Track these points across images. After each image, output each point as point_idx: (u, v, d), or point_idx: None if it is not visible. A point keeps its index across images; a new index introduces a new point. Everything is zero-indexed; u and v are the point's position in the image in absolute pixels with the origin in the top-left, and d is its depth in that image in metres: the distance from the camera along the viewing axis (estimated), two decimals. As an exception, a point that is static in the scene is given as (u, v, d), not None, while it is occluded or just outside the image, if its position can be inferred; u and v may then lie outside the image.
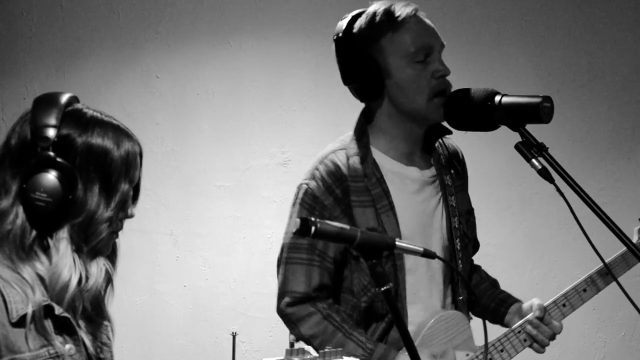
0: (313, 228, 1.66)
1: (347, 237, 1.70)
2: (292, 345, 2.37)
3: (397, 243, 1.72)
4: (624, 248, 2.18)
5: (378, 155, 2.36)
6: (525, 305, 2.45)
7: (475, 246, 2.60)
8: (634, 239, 2.49)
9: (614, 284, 2.24)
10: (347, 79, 2.35)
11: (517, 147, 2.10)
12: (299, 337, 2.32)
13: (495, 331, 2.38)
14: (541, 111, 2.13)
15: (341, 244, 2.23)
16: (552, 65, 4.21)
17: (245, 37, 4.14)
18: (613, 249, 2.43)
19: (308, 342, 2.34)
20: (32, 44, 4.13)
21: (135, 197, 1.81)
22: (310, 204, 2.32)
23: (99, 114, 1.77)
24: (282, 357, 1.62)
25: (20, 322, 1.63)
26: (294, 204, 2.35)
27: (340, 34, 2.33)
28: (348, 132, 2.41)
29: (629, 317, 4.16)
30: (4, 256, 1.66)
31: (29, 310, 1.63)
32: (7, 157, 1.72)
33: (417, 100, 2.30)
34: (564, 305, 2.43)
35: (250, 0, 4.15)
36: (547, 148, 2.08)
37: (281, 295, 2.37)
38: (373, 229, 2.28)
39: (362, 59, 2.31)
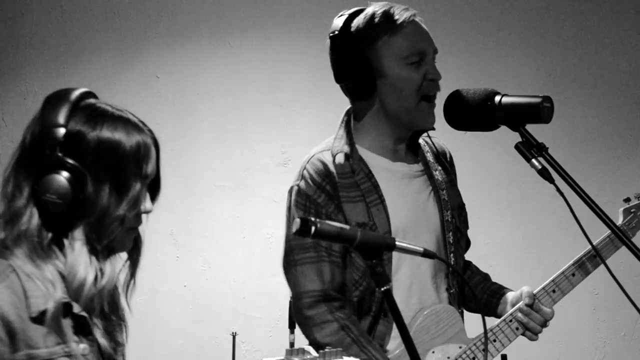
0: (313, 228, 1.66)
1: (347, 237, 1.70)
2: (292, 345, 2.37)
3: (397, 243, 1.72)
4: (609, 231, 2.20)
5: (364, 152, 2.39)
6: (515, 294, 2.47)
7: (467, 242, 2.61)
8: (619, 221, 2.54)
9: (607, 277, 2.24)
10: (339, 77, 2.38)
11: (517, 147, 2.10)
12: (313, 343, 2.29)
13: (488, 322, 2.38)
14: (541, 111, 2.13)
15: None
16: (552, 65, 4.21)
17: (245, 37, 4.14)
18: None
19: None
20: (32, 44, 4.12)
21: (155, 190, 1.79)
22: (304, 204, 2.34)
23: (109, 108, 1.74)
24: (282, 357, 1.62)
25: (39, 318, 1.62)
26: (288, 208, 2.37)
27: (337, 32, 2.35)
28: (332, 136, 2.44)
29: (629, 317, 4.16)
30: (25, 254, 1.65)
31: (50, 307, 1.62)
32: (23, 156, 1.71)
33: (407, 99, 2.33)
34: (553, 291, 2.45)
35: (250, 0, 4.15)
36: (547, 148, 2.08)
37: (297, 297, 2.34)
38: (363, 223, 2.30)
39: (356, 58, 2.33)
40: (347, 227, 1.70)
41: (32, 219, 1.66)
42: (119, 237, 1.72)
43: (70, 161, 1.65)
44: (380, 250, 1.71)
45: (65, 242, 1.68)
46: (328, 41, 2.38)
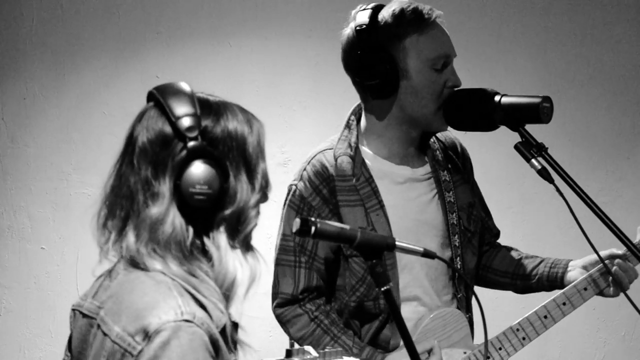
0: (313, 228, 1.67)
1: (347, 237, 1.71)
2: (292, 345, 2.38)
3: (397, 243, 1.72)
4: (624, 248, 2.18)
5: (368, 155, 2.36)
6: (590, 257, 2.41)
7: (495, 234, 2.66)
8: (637, 239, 2.44)
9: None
10: (363, 74, 2.29)
11: (516, 147, 2.11)
12: (290, 338, 2.33)
13: (494, 330, 2.37)
14: (541, 111, 2.13)
15: (333, 243, 2.25)
16: (552, 65, 4.20)
17: (245, 37, 4.14)
18: (613, 249, 2.43)
19: (299, 344, 2.35)
20: (32, 44, 4.12)
21: None
22: (298, 205, 2.34)
23: (218, 98, 1.65)
24: (282, 357, 1.62)
25: (222, 332, 1.54)
26: (284, 206, 2.39)
27: (365, 26, 2.26)
28: (338, 134, 2.40)
29: (629, 317, 4.16)
30: (177, 261, 1.53)
31: (227, 319, 1.55)
32: (141, 157, 1.56)
33: (428, 105, 2.29)
34: (564, 304, 2.41)
35: (250, 0, 4.15)
36: (547, 148, 2.09)
37: (272, 296, 2.41)
38: (362, 228, 2.27)
39: (382, 55, 2.25)
40: (347, 227, 1.70)
41: (175, 219, 1.52)
42: (253, 228, 1.62)
43: (211, 149, 1.54)
44: (380, 250, 1.72)
45: (207, 240, 1.56)
46: (351, 34, 2.29)
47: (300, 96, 4.14)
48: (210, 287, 1.54)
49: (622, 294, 2.29)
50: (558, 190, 2.01)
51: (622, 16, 4.22)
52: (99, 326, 1.53)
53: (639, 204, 4.13)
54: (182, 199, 1.52)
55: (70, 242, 3.99)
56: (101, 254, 1.59)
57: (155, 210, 1.52)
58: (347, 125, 2.40)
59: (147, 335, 1.45)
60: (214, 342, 1.49)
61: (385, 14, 2.27)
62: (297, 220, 1.68)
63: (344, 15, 2.39)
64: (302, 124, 4.14)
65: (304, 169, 2.36)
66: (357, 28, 2.27)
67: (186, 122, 1.54)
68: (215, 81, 4.15)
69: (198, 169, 1.52)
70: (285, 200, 2.39)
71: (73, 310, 1.65)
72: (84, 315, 1.59)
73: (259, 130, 1.65)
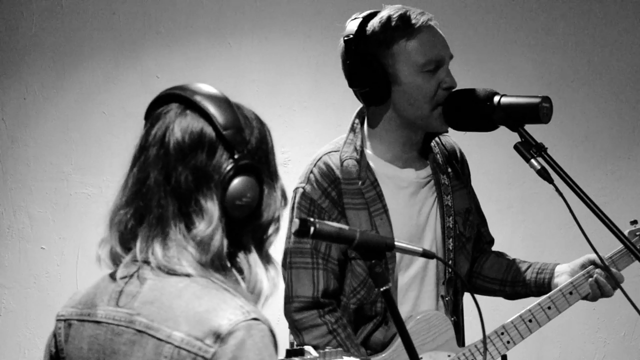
0: (312, 228, 1.67)
1: (346, 237, 1.71)
2: (292, 345, 2.38)
3: (396, 243, 1.73)
4: (620, 246, 2.19)
5: (373, 158, 2.37)
6: (575, 262, 2.43)
7: (488, 242, 2.65)
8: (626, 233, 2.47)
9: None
10: (354, 82, 2.34)
11: (516, 147, 2.11)
12: (301, 345, 2.33)
13: (498, 322, 2.37)
14: (540, 111, 2.14)
15: (343, 245, 2.25)
16: (552, 65, 4.20)
17: (245, 37, 4.14)
18: (612, 249, 2.43)
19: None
20: (32, 44, 4.13)
21: None
22: (307, 207, 2.33)
23: (235, 101, 1.62)
24: (282, 357, 1.63)
25: None
26: (291, 208, 2.36)
27: (352, 36, 2.30)
28: (342, 135, 2.41)
29: (629, 317, 4.16)
30: (217, 270, 1.51)
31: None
32: (178, 161, 1.52)
33: (421, 108, 2.30)
34: (549, 307, 2.40)
35: (250, 0, 4.15)
36: (546, 148, 2.09)
37: (288, 300, 2.36)
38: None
39: (371, 63, 2.29)
40: (346, 227, 1.71)
41: (222, 234, 1.50)
42: (274, 239, 1.61)
43: (254, 163, 1.52)
44: (379, 250, 1.72)
45: (239, 253, 1.55)
46: (341, 44, 2.34)
47: (300, 96, 4.14)
48: (246, 293, 1.53)
49: (622, 295, 2.29)
50: (558, 190, 2.01)
51: (622, 16, 4.22)
52: (140, 332, 1.49)
53: (639, 204, 4.13)
54: (227, 213, 1.49)
55: (70, 242, 3.99)
56: (111, 256, 1.54)
57: (202, 226, 1.48)
58: (352, 129, 2.41)
59: (220, 337, 1.44)
60: (274, 338, 1.51)
61: (374, 22, 2.31)
62: (296, 221, 1.68)
63: (344, 16, 2.40)
64: (302, 124, 4.14)
65: (310, 171, 2.36)
66: (345, 38, 2.32)
67: (235, 134, 1.52)
68: (215, 81, 4.13)
69: (241, 183, 1.49)
70: (293, 202, 2.37)
71: (66, 320, 1.58)
72: (99, 323, 1.53)
73: (270, 134, 1.61)
